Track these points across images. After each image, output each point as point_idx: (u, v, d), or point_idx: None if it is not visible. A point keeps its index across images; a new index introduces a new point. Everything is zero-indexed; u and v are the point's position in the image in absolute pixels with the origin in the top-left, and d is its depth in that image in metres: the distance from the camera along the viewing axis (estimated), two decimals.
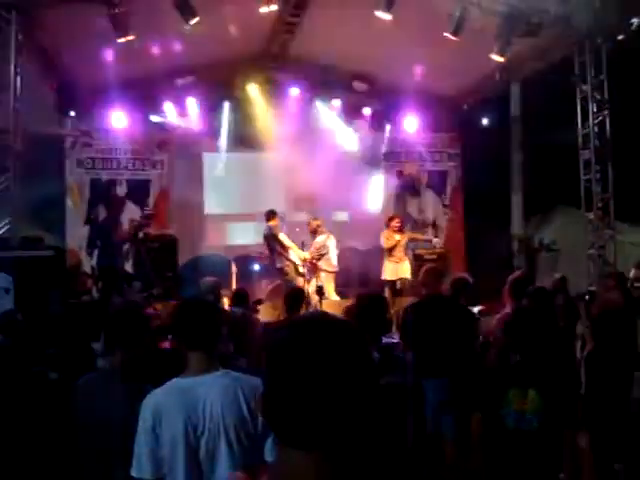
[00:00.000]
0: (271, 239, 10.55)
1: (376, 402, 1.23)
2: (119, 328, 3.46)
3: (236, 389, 2.72)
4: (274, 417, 1.22)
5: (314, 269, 10.63)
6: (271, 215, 10.74)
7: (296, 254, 10.52)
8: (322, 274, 10.55)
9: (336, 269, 10.82)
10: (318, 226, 10.87)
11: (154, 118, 12.44)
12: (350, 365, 1.21)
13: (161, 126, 12.59)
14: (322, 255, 10.61)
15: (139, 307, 4.00)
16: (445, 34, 9.26)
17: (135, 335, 3.41)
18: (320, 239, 10.70)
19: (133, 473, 2.68)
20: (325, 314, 1.34)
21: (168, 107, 12.46)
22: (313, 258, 10.55)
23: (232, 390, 2.72)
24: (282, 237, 10.44)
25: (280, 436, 1.22)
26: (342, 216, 13.42)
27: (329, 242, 10.74)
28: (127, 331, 3.42)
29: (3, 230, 8.73)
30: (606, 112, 10.14)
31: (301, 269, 10.50)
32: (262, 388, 1.27)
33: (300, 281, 10.32)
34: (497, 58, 9.89)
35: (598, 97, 10.22)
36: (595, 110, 10.22)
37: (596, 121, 10.23)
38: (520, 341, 3.69)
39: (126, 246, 9.60)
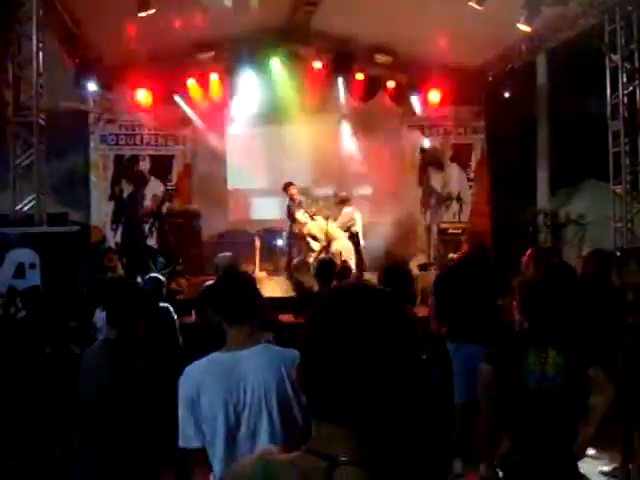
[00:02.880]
0: (287, 214, 10.50)
1: (417, 378, 1.19)
2: (114, 304, 3.51)
3: (278, 363, 2.62)
4: (312, 390, 1.18)
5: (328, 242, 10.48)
6: (285, 187, 10.63)
7: (316, 227, 10.38)
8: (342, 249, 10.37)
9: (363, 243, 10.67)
10: (346, 198, 10.67)
11: (177, 99, 12.42)
12: (395, 338, 1.16)
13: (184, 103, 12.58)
14: (349, 227, 10.44)
15: (135, 284, 4.07)
16: (470, 3, 9.07)
17: (129, 310, 3.45)
18: (348, 210, 10.53)
19: (180, 444, 2.65)
20: (367, 284, 1.27)
21: (190, 82, 12.40)
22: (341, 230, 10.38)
23: (274, 364, 2.62)
24: (298, 215, 10.35)
25: (316, 409, 1.19)
26: (365, 190, 13.34)
27: (356, 215, 10.60)
28: (121, 307, 3.46)
29: (29, 206, 8.82)
30: (636, 82, 9.88)
31: (313, 244, 10.34)
32: (299, 359, 1.22)
33: (313, 256, 10.21)
34: (524, 28, 9.67)
35: (628, 67, 9.96)
36: (625, 80, 9.97)
37: (626, 91, 9.98)
38: (529, 308, 3.68)
39: (150, 222, 9.63)
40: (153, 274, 6.28)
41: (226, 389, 2.59)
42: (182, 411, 2.65)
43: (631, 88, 9.95)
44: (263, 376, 2.60)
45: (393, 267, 4.92)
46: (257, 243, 11.26)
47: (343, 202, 10.71)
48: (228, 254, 6.57)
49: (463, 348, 5.41)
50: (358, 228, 10.59)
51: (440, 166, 14.08)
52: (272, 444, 2.46)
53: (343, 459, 1.14)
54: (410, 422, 1.20)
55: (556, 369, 3.43)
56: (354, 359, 1.13)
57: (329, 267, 5.95)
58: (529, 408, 3.48)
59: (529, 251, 5.99)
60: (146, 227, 9.47)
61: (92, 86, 11.58)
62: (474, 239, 5.92)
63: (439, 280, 5.96)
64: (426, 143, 14.03)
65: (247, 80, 12.63)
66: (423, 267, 12.08)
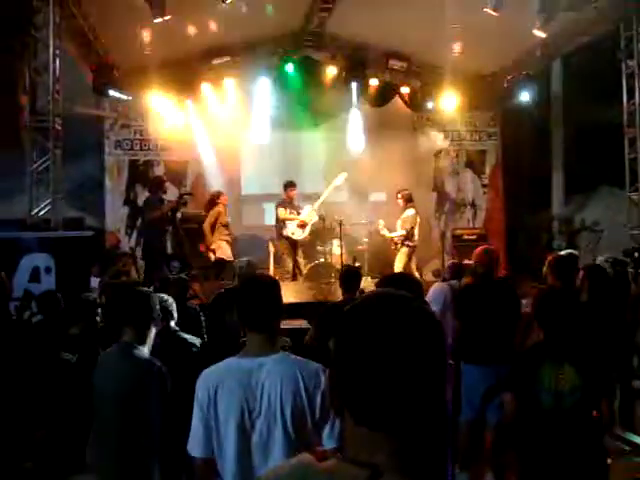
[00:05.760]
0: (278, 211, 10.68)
1: (444, 384, 1.20)
2: (124, 306, 3.52)
3: (296, 374, 2.59)
4: (351, 395, 1.18)
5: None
6: (288, 186, 10.76)
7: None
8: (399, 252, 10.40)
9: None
10: (411, 197, 10.60)
11: (191, 104, 12.48)
12: (429, 343, 1.18)
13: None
14: (413, 230, 10.37)
15: (138, 285, 4.07)
16: (485, 9, 9.05)
17: (141, 313, 3.45)
18: (410, 213, 10.44)
19: (188, 449, 2.65)
20: (400, 292, 1.27)
21: (205, 87, 12.44)
22: (407, 235, 10.33)
23: (292, 375, 2.59)
24: (280, 211, 10.49)
25: (356, 415, 1.18)
26: (379, 196, 13.32)
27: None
28: (132, 309, 3.46)
29: (44, 211, 8.87)
30: None
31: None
32: (334, 364, 1.23)
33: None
34: (539, 34, 9.63)
35: None
36: None
37: None
38: (545, 319, 3.60)
39: (165, 227, 9.68)
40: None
41: (243, 394, 2.58)
42: (195, 416, 2.64)
43: None
44: (280, 385, 2.57)
45: (392, 275, 4.87)
46: (271, 248, 11.26)
47: (409, 201, 10.54)
48: (245, 259, 6.56)
49: (477, 370, 5.33)
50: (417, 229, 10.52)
51: (454, 172, 14.05)
52: (285, 455, 2.48)
53: (384, 467, 1.13)
54: (435, 429, 1.20)
55: (572, 388, 3.36)
56: (395, 363, 1.14)
57: (355, 276, 5.85)
58: (546, 427, 3.42)
59: (549, 259, 5.87)
60: (161, 232, 9.51)
61: (107, 92, 11.64)
62: (488, 258, 5.73)
63: (458, 302, 5.80)
64: (440, 149, 13.99)
65: (261, 85, 12.67)
66: (437, 273, 12.03)
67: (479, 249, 5.87)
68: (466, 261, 11.48)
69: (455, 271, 7.70)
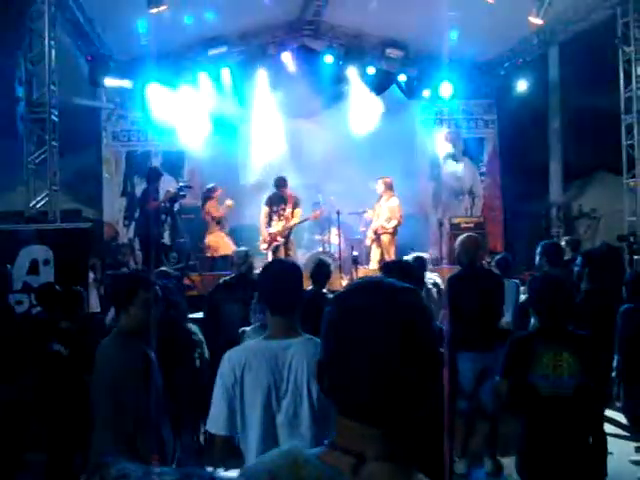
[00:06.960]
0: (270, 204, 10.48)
1: (437, 376, 1.20)
2: (121, 293, 3.53)
3: None
4: (336, 389, 1.19)
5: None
6: (283, 183, 10.45)
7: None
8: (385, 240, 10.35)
9: None
10: (391, 184, 10.39)
11: (189, 94, 12.42)
12: (415, 335, 1.16)
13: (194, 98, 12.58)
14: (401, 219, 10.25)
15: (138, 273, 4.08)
16: None
17: (135, 299, 3.45)
18: (397, 202, 10.40)
19: (208, 428, 2.69)
20: (388, 280, 1.26)
21: (202, 77, 12.41)
22: (398, 224, 10.26)
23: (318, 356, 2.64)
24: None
25: (341, 408, 1.19)
26: (377, 184, 13.29)
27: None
28: (127, 296, 3.47)
29: (42, 202, 8.88)
30: None
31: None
32: (320, 354, 1.24)
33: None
34: (535, 21, 9.61)
35: None
36: (639, 73, 9.89)
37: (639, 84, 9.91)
38: (539, 305, 3.60)
39: (162, 218, 9.68)
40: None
41: (270, 374, 2.62)
42: (217, 395, 2.67)
43: None
44: (306, 367, 2.62)
45: (392, 262, 4.88)
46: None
47: (391, 189, 10.38)
48: (244, 248, 6.58)
49: (471, 357, 5.35)
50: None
51: (452, 160, 14.04)
52: (312, 433, 2.55)
53: (370, 455, 1.15)
54: (428, 418, 1.20)
55: (570, 374, 3.35)
56: (379, 355, 1.14)
57: (324, 272, 5.92)
58: (544, 414, 3.41)
59: (543, 245, 5.87)
60: (159, 223, 9.51)
61: (104, 82, 11.61)
62: (472, 246, 5.72)
63: (449, 291, 5.80)
64: (437, 137, 13.97)
65: (258, 74, 12.64)
66: (435, 261, 12.05)
67: (461, 238, 5.83)
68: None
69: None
